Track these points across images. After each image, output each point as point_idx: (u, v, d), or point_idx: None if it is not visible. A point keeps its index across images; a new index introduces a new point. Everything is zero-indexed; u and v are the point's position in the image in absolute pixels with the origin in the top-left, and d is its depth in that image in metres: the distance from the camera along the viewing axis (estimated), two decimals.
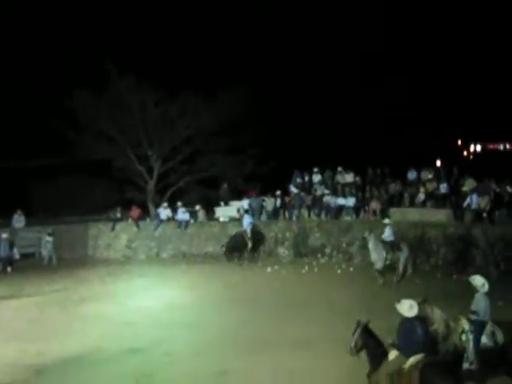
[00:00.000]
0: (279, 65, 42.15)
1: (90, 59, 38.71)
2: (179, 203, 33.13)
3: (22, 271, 28.77)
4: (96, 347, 15.23)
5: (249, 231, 28.85)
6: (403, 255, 22.95)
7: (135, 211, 33.82)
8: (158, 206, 35.57)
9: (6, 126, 42.06)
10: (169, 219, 32.96)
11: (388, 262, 22.88)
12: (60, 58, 42.00)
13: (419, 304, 10.21)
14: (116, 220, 33.93)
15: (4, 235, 29.39)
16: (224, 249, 29.43)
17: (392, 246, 23.06)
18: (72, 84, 35.97)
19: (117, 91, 35.38)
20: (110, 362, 14.02)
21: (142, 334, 16.41)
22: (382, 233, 23.87)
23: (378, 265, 22.90)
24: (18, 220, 33.59)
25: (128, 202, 36.22)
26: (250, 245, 28.67)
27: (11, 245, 29.74)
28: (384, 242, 23.21)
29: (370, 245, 23.21)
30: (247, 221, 29.25)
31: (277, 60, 42.42)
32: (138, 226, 33.20)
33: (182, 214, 32.28)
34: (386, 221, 24.70)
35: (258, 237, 29.39)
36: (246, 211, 31.24)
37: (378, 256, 22.89)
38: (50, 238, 31.10)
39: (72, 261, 31.40)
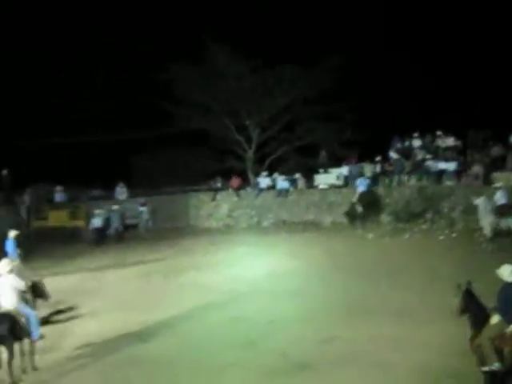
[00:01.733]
0: (376, 31, 41.32)
1: (186, 30, 39.03)
2: (277, 174, 33.37)
3: (126, 242, 29.94)
4: (200, 315, 15.53)
5: (356, 197, 28.76)
6: None
7: (235, 180, 34.27)
8: (257, 174, 35.89)
9: (106, 100, 43.19)
10: (269, 188, 33.24)
11: (499, 228, 22.27)
12: (155, 31, 42.56)
13: None
14: (216, 190, 34.53)
15: (115, 207, 30.63)
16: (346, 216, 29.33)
17: (503, 211, 22.37)
18: (168, 56, 36.44)
19: (213, 61, 35.66)
20: (214, 329, 14.26)
21: (245, 302, 16.60)
22: (493, 197, 23.24)
23: (487, 230, 22.38)
24: (121, 192, 34.76)
25: (228, 171, 36.61)
26: (359, 210, 28.46)
27: (122, 216, 30.96)
28: (494, 207, 22.62)
29: (480, 209, 22.67)
30: (358, 187, 29.14)
31: (373, 26, 41.58)
32: (238, 195, 33.66)
33: (282, 182, 32.49)
34: (497, 184, 23.88)
35: (370, 204, 28.99)
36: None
37: (486, 221, 22.36)
38: (143, 208, 31.97)
39: (174, 231, 32.21)
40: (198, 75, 35.84)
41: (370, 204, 28.84)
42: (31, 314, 12.43)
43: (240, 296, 17.40)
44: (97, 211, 30.85)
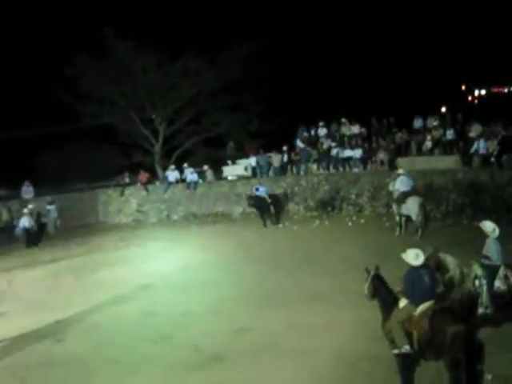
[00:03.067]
0: (279, 19, 41.73)
1: (88, 25, 38.36)
2: (185, 164, 33.26)
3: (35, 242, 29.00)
4: (114, 312, 15.38)
5: (247, 199, 28.21)
6: (410, 208, 21.95)
7: (143, 175, 33.92)
8: (165, 168, 35.64)
9: (8, 96, 41.92)
10: (177, 181, 33.07)
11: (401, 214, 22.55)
12: (58, 26, 41.65)
13: (432, 253, 10.27)
14: (125, 185, 34.12)
15: (25, 210, 29.66)
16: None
17: (399, 199, 22.51)
18: (72, 51, 35.69)
19: (116, 56, 35.12)
20: (127, 326, 14.19)
21: (157, 296, 16.59)
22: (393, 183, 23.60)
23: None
24: (27, 191, 33.71)
25: (135, 166, 36.27)
26: (272, 210, 27.81)
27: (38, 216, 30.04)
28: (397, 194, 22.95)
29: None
30: (262, 190, 28.21)
31: (277, 14, 41.96)
32: (147, 190, 33.36)
33: (191, 175, 32.39)
34: (400, 171, 23.96)
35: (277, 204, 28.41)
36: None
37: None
38: (51, 207, 31.23)
39: (84, 228, 31.72)
40: (103, 70, 35.23)
41: (276, 205, 28.30)
42: None
43: (152, 290, 17.39)
44: (25, 210, 29.80)
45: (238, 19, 40.45)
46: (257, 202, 27.65)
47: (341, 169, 30.26)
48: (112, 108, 36.69)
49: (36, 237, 28.40)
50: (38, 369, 11.89)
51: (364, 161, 30.18)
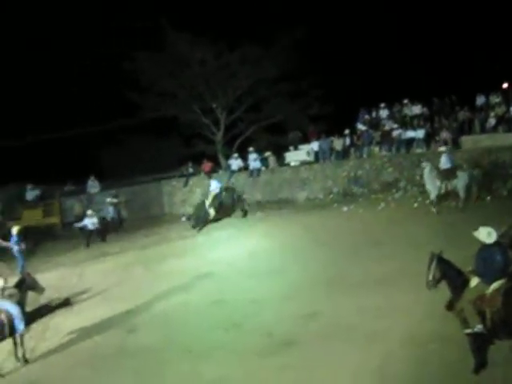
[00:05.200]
0: (334, 4, 41.31)
1: (145, 19, 38.71)
2: (251, 148, 33.41)
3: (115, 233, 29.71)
4: (184, 301, 15.60)
5: (211, 197, 26.79)
6: (460, 182, 22.49)
7: (207, 164, 34.23)
8: (228, 157, 35.91)
9: (72, 94, 42.79)
10: (240, 169, 33.28)
11: (443, 191, 22.76)
12: (116, 20, 42.12)
13: (506, 231, 10.17)
14: (188, 175, 34.46)
15: (108, 199, 30.48)
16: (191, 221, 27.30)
17: (447, 174, 22.80)
18: (130, 46, 36.20)
19: (174, 48, 35.49)
20: (198, 314, 14.36)
21: (227, 284, 16.70)
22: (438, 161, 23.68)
23: (432, 195, 22.89)
24: (93, 185, 34.57)
25: (198, 156, 36.63)
26: (211, 213, 26.35)
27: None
28: (439, 171, 23.07)
29: (425, 174, 23.14)
30: (214, 185, 27.33)
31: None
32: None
33: (254, 163, 32.53)
34: (442, 148, 24.38)
35: (222, 207, 26.93)
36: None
37: (432, 186, 22.80)
38: (114, 200, 31.83)
39: (150, 220, 32.22)
40: (162, 63, 35.63)
41: (223, 207, 26.92)
42: (13, 310, 12.59)
43: (220, 278, 17.51)
44: (89, 212, 30.48)
45: (293, 4, 40.20)
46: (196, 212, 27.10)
47: (404, 150, 29.97)
48: (172, 100, 37.04)
49: (105, 231, 29.11)
50: (112, 359, 12.17)
51: (427, 141, 29.81)
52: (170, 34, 34.98)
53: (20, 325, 12.56)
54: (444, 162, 23.49)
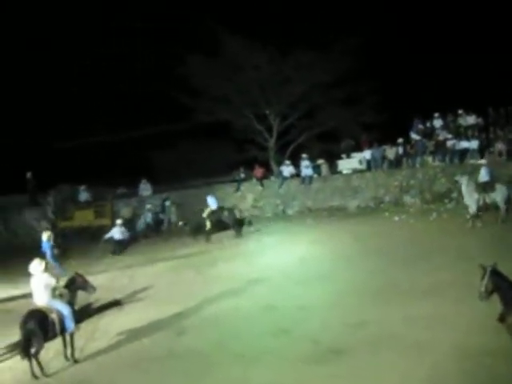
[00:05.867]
0: (393, 9, 41.05)
1: (200, 24, 39.09)
2: (304, 155, 33.39)
3: (155, 238, 30.15)
4: (232, 306, 15.63)
5: (207, 211, 27.89)
6: (499, 195, 22.34)
7: (258, 170, 34.35)
8: (280, 163, 36.00)
9: (124, 97, 43.47)
10: (292, 176, 33.36)
11: (481, 204, 22.55)
12: (169, 25, 42.68)
13: None
14: (240, 180, 34.61)
15: (148, 206, 30.94)
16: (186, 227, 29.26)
17: (485, 188, 22.64)
18: (184, 50, 36.62)
19: (229, 53, 35.74)
20: (247, 319, 14.40)
21: (276, 290, 16.72)
22: (476, 175, 23.70)
23: (472, 208, 22.66)
24: (145, 188, 35.06)
25: (250, 161, 36.72)
26: (208, 225, 27.52)
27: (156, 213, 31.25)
28: (478, 184, 22.94)
29: (463, 188, 22.96)
30: (210, 201, 28.36)
31: (389, 4, 41.28)
32: (262, 185, 33.75)
33: (306, 170, 32.55)
34: (482, 161, 24.17)
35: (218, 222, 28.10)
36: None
37: (470, 199, 22.58)
38: (167, 204, 32.20)
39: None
40: (216, 67, 35.94)
41: (218, 222, 27.95)
42: (64, 309, 12.78)
43: (270, 284, 17.52)
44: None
45: (348, 10, 40.13)
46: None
47: (457, 160, 29.67)
48: (226, 104, 37.29)
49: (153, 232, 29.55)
50: (161, 361, 12.26)
51: (481, 152, 29.47)
52: (225, 38, 35.26)
53: (70, 324, 12.74)
54: (483, 175, 23.49)
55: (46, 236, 21.88)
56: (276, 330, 13.24)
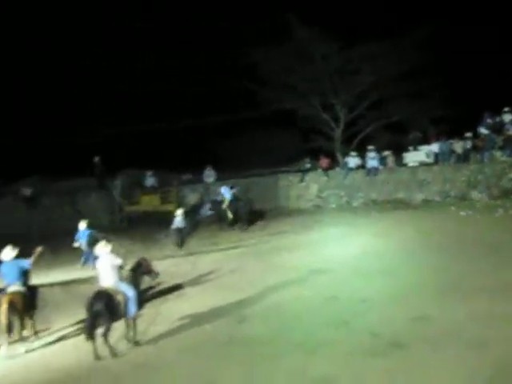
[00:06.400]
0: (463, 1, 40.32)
1: (269, 12, 39.25)
2: (370, 146, 33.31)
3: (216, 225, 30.46)
4: (294, 296, 15.71)
5: (226, 205, 29.41)
6: None
7: (324, 160, 34.42)
8: (346, 154, 35.97)
9: (194, 85, 43.98)
10: (358, 167, 33.32)
11: None
12: (240, 12, 42.96)
13: None
14: (305, 170, 34.72)
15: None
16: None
17: None
18: (253, 38, 36.85)
19: (298, 42, 35.71)
20: (308, 309, 14.43)
21: (338, 281, 16.73)
22: None
23: None
24: (209, 175, 35.53)
25: (316, 151, 36.80)
26: (229, 216, 28.93)
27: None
28: None
29: None
30: (225, 191, 30.09)
31: None
32: (327, 175, 33.82)
33: (371, 161, 32.45)
34: None
35: (238, 211, 29.61)
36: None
37: None
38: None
39: (265, 212, 32.61)
40: (284, 56, 36.02)
41: (238, 211, 29.41)
42: (129, 292, 13.10)
43: (333, 275, 17.54)
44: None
45: (418, 1, 39.65)
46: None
47: None
48: (293, 94, 37.36)
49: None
50: (221, 348, 12.39)
51: None
52: (295, 27, 35.29)
53: (134, 307, 13.05)
54: None
55: (83, 224, 22.36)
56: (336, 321, 13.25)
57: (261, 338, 12.71)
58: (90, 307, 12.41)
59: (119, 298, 12.84)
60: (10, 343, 13.43)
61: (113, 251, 13.58)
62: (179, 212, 25.80)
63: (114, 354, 12.46)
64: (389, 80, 35.30)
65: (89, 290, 14.08)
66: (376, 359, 11.03)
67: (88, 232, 22.36)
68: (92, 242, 21.65)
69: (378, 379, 10.27)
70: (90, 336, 12.48)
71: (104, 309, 12.37)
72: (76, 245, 22.74)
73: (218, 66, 41.77)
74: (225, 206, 29.24)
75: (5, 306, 13.07)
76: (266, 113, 39.21)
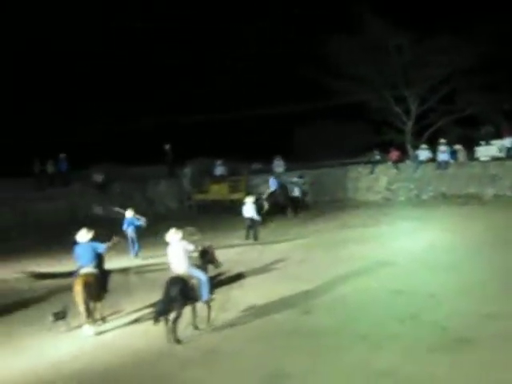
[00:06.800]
0: None
1: (343, 2, 39.09)
2: (441, 140, 32.94)
3: (282, 214, 30.58)
4: (362, 288, 15.65)
5: (267, 193, 30.34)
6: None
7: (394, 153, 34.26)
8: (416, 147, 35.69)
9: (265, 74, 44.24)
10: (428, 160, 33.04)
11: None
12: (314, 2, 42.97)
13: None
14: (375, 162, 34.63)
15: (294, 179, 31.79)
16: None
17: None
18: (325, 29, 36.84)
19: (371, 34, 35.50)
20: (375, 302, 14.37)
21: (406, 275, 16.62)
22: None
23: None
24: (278, 165, 35.67)
25: (386, 144, 36.62)
26: (265, 206, 29.13)
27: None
28: None
29: None
30: (272, 183, 31.13)
31: None
32: (397, 168, 33.67)
33: (442, 155, 32.13)
34: None
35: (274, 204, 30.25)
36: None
37: None
38: (300, 180, 32.58)
39: (333, 203, 32.76)
40: (357, 47, 35.89)
41: (275, 204, 30.14)
42: (202, 277, 13.32)
43: (399, 268, 17.45)
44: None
45: None
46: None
47: None
48: (365, 85, 37.26)
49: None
50: (287, 337, 12.38)
51: None
52: (369, 18, 35.15)
53: (207, 292, 13.24)
54: None
55: (130, 213, 22.44)
56: (403, 315, 13.17)
57: (326, 329, 12.74)
58: (167, 292, 12.60)
59: (193, 282, 13.05)
60: (81, 325, 13.82)
61: (184, 238, 13.74)
62: (248, 199, 25.53)
63: (179, 340, 12.61)
64: (461, 73, 34.82)
65: (159, 276, 14.47)
66: (442, 354, 10.94)
67: (134, 220, 22.45)
68: (138, 231, 22.46)
69: (444, 374, 10.17)
70: (159, 320, 12.74)
71: (179, 294, 12.53)
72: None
73: (292, 55, 41.84)
74: (264, 196, 29.84)
75: (80, 288, 13.38)
76: (337, 103, 39.16)
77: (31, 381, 11.30)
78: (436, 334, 11.99)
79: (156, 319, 12.79)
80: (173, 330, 12.59)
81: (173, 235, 13.58)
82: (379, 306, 14.12)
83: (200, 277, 13.32)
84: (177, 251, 13.32)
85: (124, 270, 19.86)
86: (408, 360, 10.80)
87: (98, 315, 14.12)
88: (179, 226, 14.37)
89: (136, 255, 22.22)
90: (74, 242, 14.50)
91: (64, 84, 42.89)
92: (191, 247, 13.60)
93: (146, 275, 19.41)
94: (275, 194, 29.90)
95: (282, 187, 30.80)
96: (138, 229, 22.51)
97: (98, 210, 28.45)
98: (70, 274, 14.90)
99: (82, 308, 13.51)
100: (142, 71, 44.30)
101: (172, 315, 12.64)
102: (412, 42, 35.13)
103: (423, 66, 35.56)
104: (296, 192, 31.89)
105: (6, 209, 30.26)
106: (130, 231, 22.40)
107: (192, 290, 12.98)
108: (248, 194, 31.39)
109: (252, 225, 24.80)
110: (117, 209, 25.26)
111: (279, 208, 30.17)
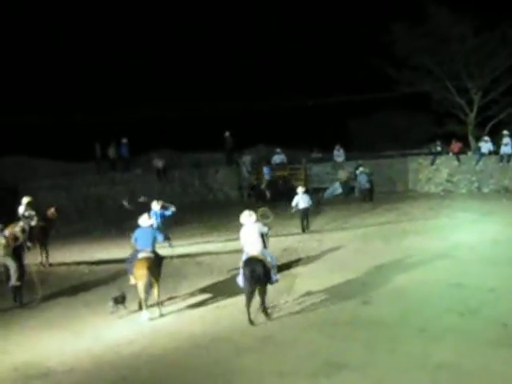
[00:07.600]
0: None
1: None
2: (505, 131, 32.20)
3: (341, 204, 30.77)
4: (420, 280, 15.52)
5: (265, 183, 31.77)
6: None
7: (456, 145, 33.77)
8: (478, 139, 35.12)
9: (329, 62, 44.19)
10: (490, 153, 32.46)
11: None
12: None
13: None
14: (436, 154, 34.22)
15: (361, 169, 31.88)
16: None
17: None
18: (389, 18, 36.53)
19: (434, 23, 35.13)
20: (434, 295, 14.24)
21: (466, 268, 16.38)
22: None
23: None
24: (338, 155, 35.63)
25: (448, 135, 36.14)
26: (268, 195, 31.31)
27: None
28: None
29: None
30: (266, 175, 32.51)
31: None
32: (458, 160, 33.19)
33: (505, 147, 31.51)
34: None
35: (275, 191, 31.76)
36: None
37: None
38: (361, 169, 32.38)
39: (392, 194, 32.60)
40: (420, 37, 35.49)
41: (276, 192, 31.77)
42: (273, 259, 13.47)
43: (460, 262, 17.20)
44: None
45: None
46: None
47: None
48: (427, 76, 36.85)
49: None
50: (345, 327, 12.37)
51: None
52: (432, 8, 34.68)
53: (274, 276, 13.35)
54: None
55: (156, 206, 21.60)
56: (462, 308, 13.02)
57: (384, 320, 12.68)
58: (251, 272, 12.69)
59: (268, 263, 13.12)
60: (139, 309, 14.13)
61: (258, 220, 13.98)
62: (300, 190, 24.99)
63: (270, 317, 12.98)
64: None
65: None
66: (503, 350, 10.78)
67: (160, 213, 21.56)
68: (168, 221, 22.14)
69: (503, 370, 10.01)
70: (250, 302, 12.89)
71: (263, 273, 12.74)
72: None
73: (356, 45, 41.76)
74: (263, 186, 31.24)
75: (144, 271, 13.50)
76: (399, 93, 38.82)
77: (89, 362, 11.50)
78: (496, 329, 11.80)
79: (249, 300, 12.88)
80: (264, 309, 12.95)
81: (247, 217, 13.74)
82: (438, 298, 13.98)
83: (272, 258, 13.44)
84: (252, 233, 13.41)
85: (179, 257, 20.02)
86: (467, 354, 10.65)
87: (155, 300, 14.23)
88: (254, 210, 14.52)
89: (170, 246, 21.35)
90: (137, 226, 14.74)
91: (129, 73, 43.70)
92: (265, 229, 13.77)
93: (201, 260, 19.63)
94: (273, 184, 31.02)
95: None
96: (168, 218, 21.99)
97: (125, 203, 28.64)
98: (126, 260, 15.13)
99: (142, 292, 13.69)
100: (205, 59, 44.74)
101: (257, 295, 12.95)
102: (475, 32, 34.60)
103: (487, 56, 35.04)
104: (363, 181, 31.79)
105: (67, 193, 30.70)
106: (157, 224, 20.62)
107: (268, 272, 13.08)
108: (307, 182, 31.65)
109: (304, 215, 24.40)
110: (142, 198, 25.39)
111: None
